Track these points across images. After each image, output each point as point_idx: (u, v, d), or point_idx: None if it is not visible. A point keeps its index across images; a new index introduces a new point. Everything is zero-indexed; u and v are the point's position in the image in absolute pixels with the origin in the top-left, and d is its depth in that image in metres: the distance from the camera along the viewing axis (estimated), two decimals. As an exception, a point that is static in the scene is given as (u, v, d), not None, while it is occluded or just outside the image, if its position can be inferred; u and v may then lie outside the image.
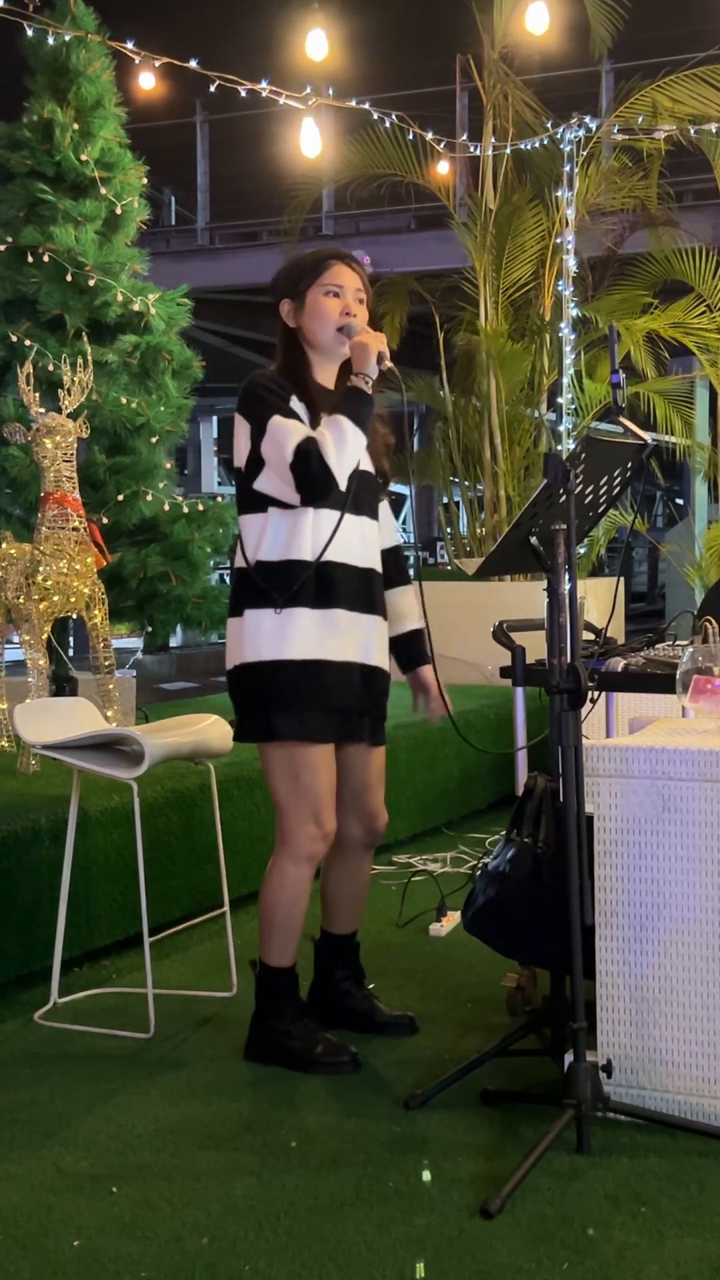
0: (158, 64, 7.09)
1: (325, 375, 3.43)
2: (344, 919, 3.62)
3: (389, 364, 3.33)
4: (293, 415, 3.27)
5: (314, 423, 3.29)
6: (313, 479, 3.20)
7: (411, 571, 3.66)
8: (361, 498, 3.37)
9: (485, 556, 3.35)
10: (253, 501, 3.32)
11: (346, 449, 3.23)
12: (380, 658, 3.44)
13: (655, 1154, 2.91)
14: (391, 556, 3.55)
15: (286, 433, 3.22)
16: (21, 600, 4.86)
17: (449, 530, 9.32)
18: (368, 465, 3.40)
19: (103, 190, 6.27)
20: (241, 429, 3.32)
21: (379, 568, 3.46)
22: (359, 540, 3.37)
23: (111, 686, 5.05)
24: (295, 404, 3.30)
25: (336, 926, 3.62)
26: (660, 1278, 2.45)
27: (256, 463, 3.29)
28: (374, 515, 3.46)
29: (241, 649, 3.32)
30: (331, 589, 3.30)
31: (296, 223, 9.61)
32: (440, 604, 7.36)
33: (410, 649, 3.59)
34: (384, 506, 3.57)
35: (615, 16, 8.66)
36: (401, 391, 3.39)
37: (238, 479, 3.36)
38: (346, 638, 3.33)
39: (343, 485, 3.25)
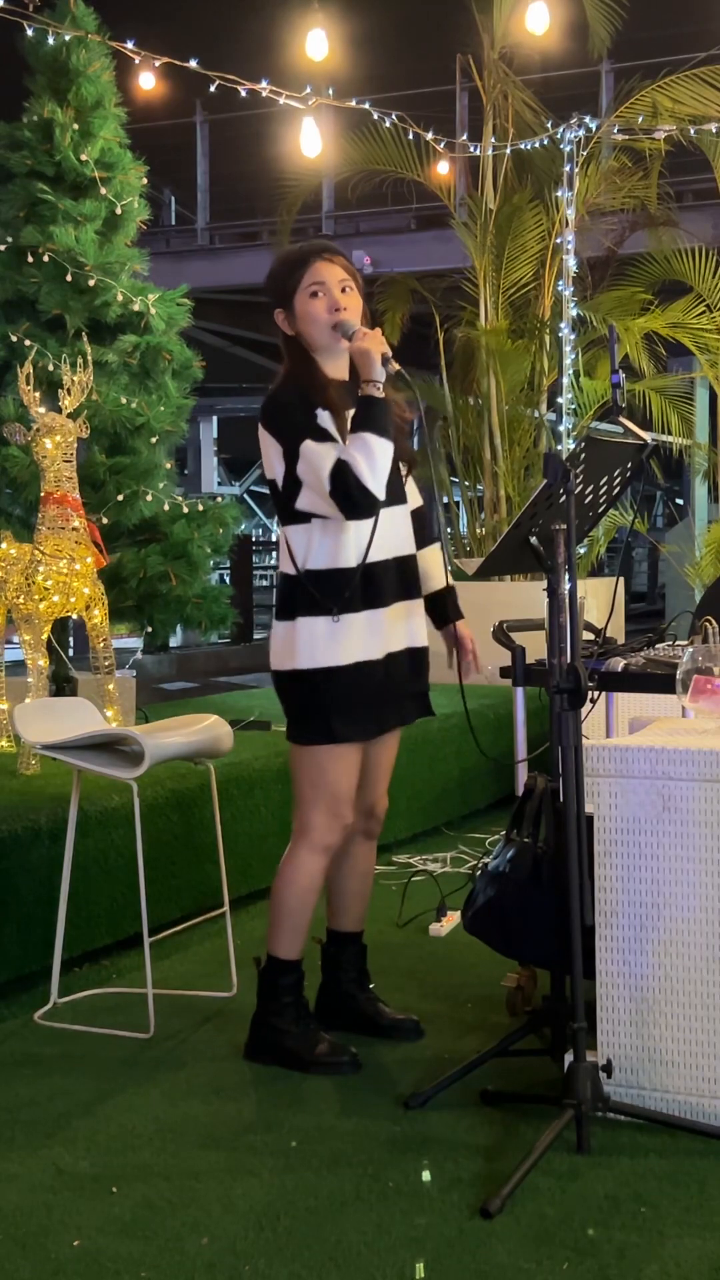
0: (158, 64, 7.08)
1: (336, 368, 3.42)
2: (349, 915, 3.61)
3: (395, 365, 3.33)
4: (321, 433, 3.28)
5: (339, 426, 3.30)
6: (354, 502, 3.24)
7: (436, 529, 3.68)
8: (394, 483, 3.38)
9: (485, 556, 3.35)
10: (297, 514, 3.34)
11: (377, 464, 3.25)
12: (423, 634, 3.49)
13: (655, 1154, 2.91)
14: (415, 516, 3.56)
15: (320, 458, 3.25)
16: (21, 600, 4.86)
17: (449, 530, 9.32)
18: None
19: (103, 190, 6.26)
20: (271, 447, 3.34)
21: (413, 549, 3.50)
22: (392, 531, 3.40)
23: (111, 686, 5.05)
24: (322, 417, 3.31)
25: (342, 923, 3.62)
26: (660, 1278, 2.46)
27: (293, 482, 3.31)
28: (401, 499, 3.47)
29: (294, 654, 3.34)
30: (378, 588, 3.36)
31: (288, 222, 9.61)
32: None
33: (443, 607, 3.60)
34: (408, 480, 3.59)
35: (614, 16, 8.66)
36: (414, 390, 3.42)
37: (275, 494, 3.39)
38: (393, 629, 3.39)
39: (382, 498, 3.28)
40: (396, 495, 3.43)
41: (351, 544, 3.32)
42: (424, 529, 3.58)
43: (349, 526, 3.30)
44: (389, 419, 3.31)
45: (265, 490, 3.46)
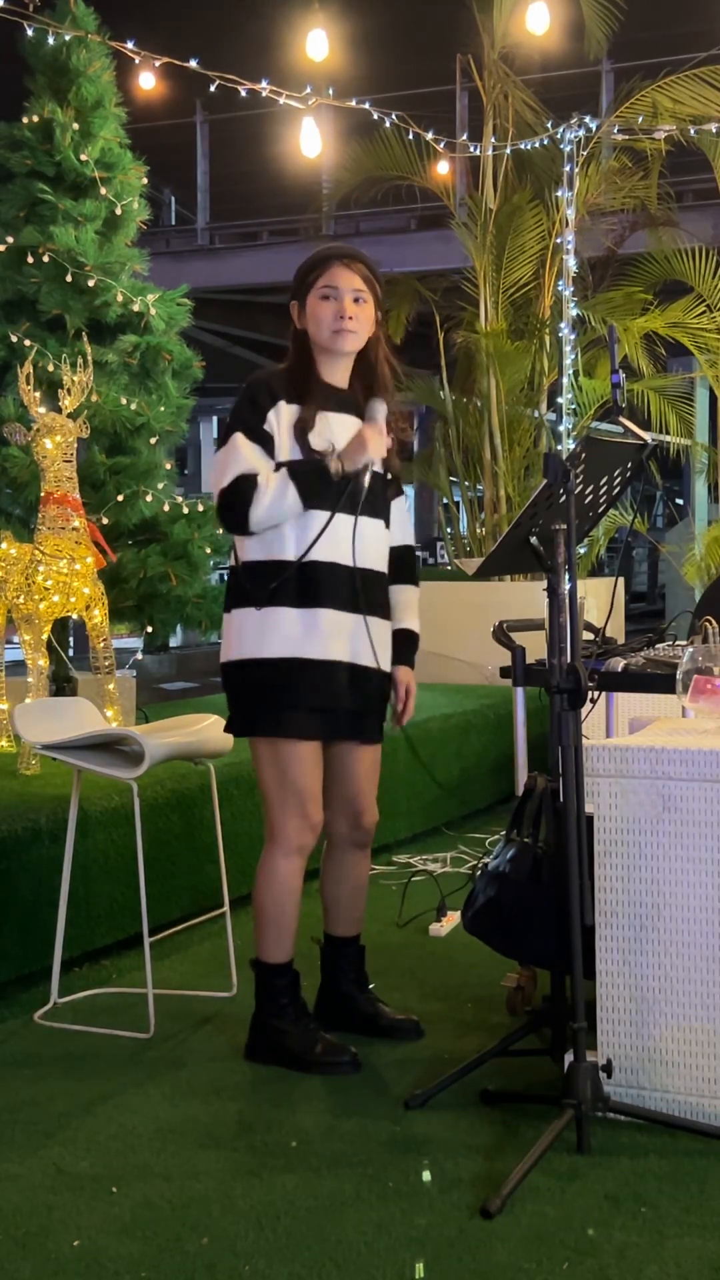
0: (158, 64, 7.08)
1: (334, 373, 3.44)
2: (342, 921, 3.61)
3: (372, 471, 3.33)
4: (262, 435, 3.31)
5: (302, 419, 3.32)
6: (230, 514, 3.30)
7: (417, 575, 3.68)
8: (369, 498, 3.37)
9: (485, 556, 3.35)
10: None
11: (275, 512, 3.28)
12: (372, 658, 3.40)
13: (655, 1154, 2.91)
14: (398, 554, 3.56)
15: (237, 458, 3.29)
16: (22, 600, 4.86)
17: (449, 530, 9.31)
18: (377, 465, 3.39)
19: (103, 190, 6.27)
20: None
21: (381, 567, 3.46)
22: (358, 540, 3.35)
23: (111, 686, 5.05)
24: (282, 409, 3.32)
25: (336, 928, 3.62)
26: (660, 1278, 2.46)
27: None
28: (380, 515, 3.45)
29: (229, 646, 3.41)
30: (316, 588, 3.32)
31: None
32: (440, 604, 7.40)
33: (397, 647, 3.58)
34: (398, 504, 3.58)
35: (612, 17, 8.66)
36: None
37: None
38: (332, 637, 3.33)
39: (253, 533, 3.30)
40: (375, 509, 3.41)
41: (290, 538, 3.31)
42: (404, 569, 3.58)
43: (290, 522, 3.32)
44: (324, 491, 3.29)
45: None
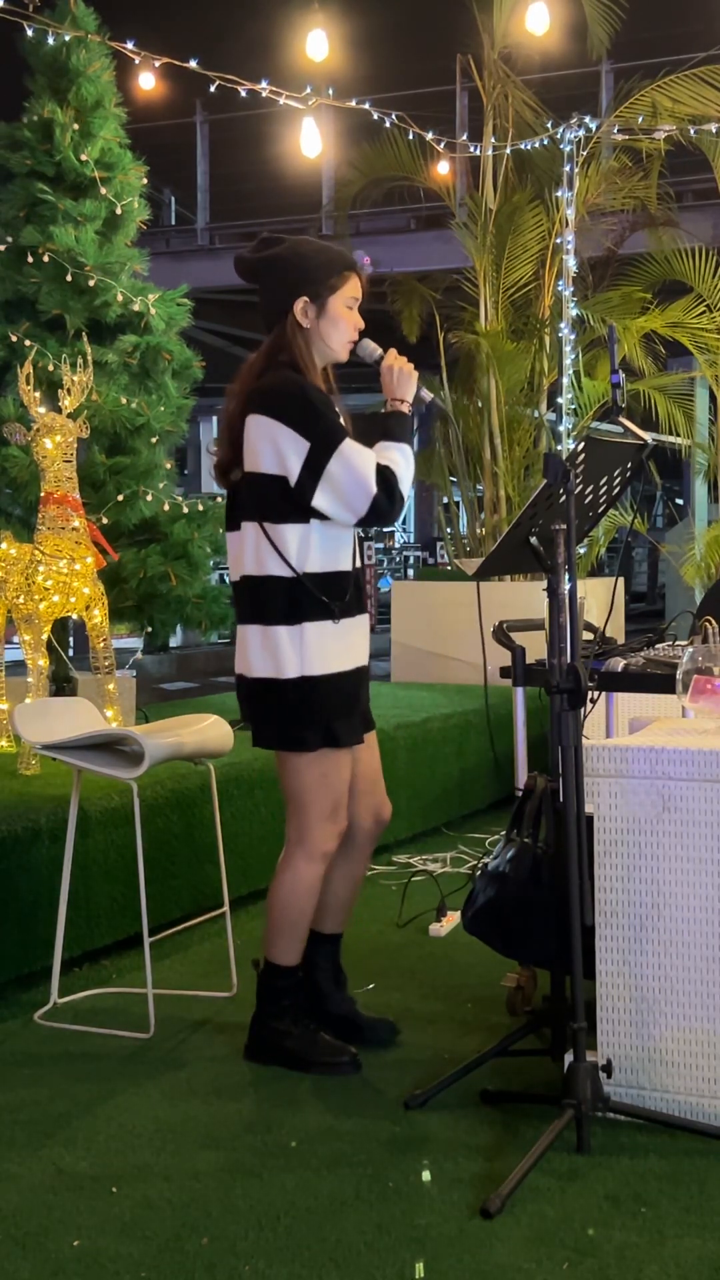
0: (158, 64, 7.08)
1: (315, 376, 3.45)
2: (334, 918, 3.58)
3: (429, 394, 3.46)
4: (351, 435, 3.32)
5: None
6: (393, 506, 3.28)
7: None
8: None
9: (485, 556, 3.35)
10: (296, 511, 3.28)
11: (409, 476, 3.35)
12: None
13: (655, 1154, 2.91)
14: None
15: (365, 461, 3.26)
16: (22, 600, 4.86)
17: (449, 530, 9.32)
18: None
19: (103, 190, 6.27)
20: (286, 440, 3.24)
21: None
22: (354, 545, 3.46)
23: (112, 686, 5.05)
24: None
25: (328, 926, 3.58)
26: (660, 1278, 2.46)
27: (312, 478, 3.24)
28: None
29: (303, 660, 3.27)
30: (360, 595, 3.40)
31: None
32: (440, 604, 7.40)
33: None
34: None
35: (613, 16, 8.66)
36: (448, 414, 3.51)
37: (266, 486, 3.28)
38: (365, 641, 3.44)
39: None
40: None
41: (346, 548, 3.35)
42: None
43: (347, 529, 3.33)
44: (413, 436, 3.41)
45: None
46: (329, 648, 3.30)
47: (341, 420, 3.36)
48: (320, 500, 3.25)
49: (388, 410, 3.40)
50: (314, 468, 3.23)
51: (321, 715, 3.32)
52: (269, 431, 3.26)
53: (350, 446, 3.26)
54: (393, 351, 3.44)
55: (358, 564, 3.43)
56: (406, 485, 3.32)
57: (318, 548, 3.29)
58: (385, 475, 3.26)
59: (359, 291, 3.42)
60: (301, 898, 3.38)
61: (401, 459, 3.32)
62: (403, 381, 3.41)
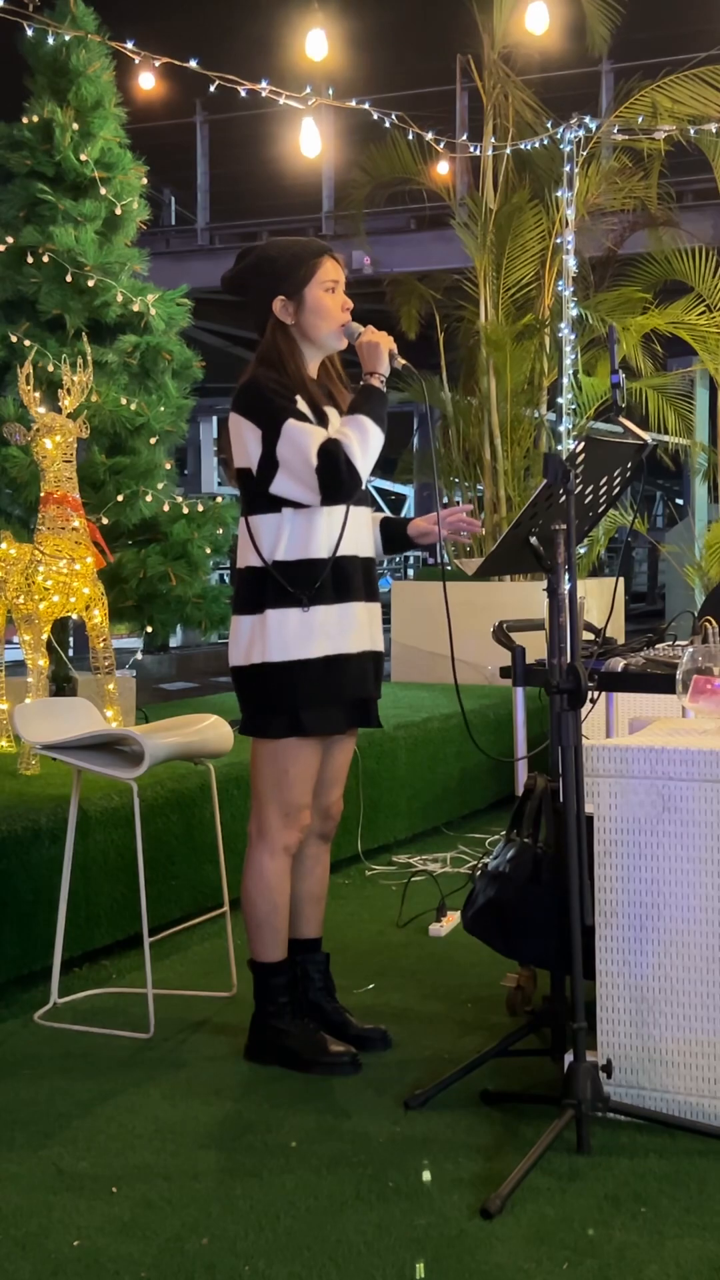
0: (158, 64, 7.08)
1: (313, 366, 3.46)
2: (307, 920, 3.55)
3: (401, 360, 3.40)
4: (304, 416, 3.29)
5: (316, 420, 3.31)
6: (340, 481, 3.24)
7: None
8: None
9: (485, 556, 3.35)
10: (266, 502, 3.32)
11: (370, 446, 3.28)
12: (381, 639, 3.50)
13: (655, 1154, 2.91)
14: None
15: (307, 435, 3.24)
16: (22, 600, 4.86)
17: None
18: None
19: (103, 190, 6.26)
20: (247, 431, 3.32)
21: (374, 554, 3.54)
22: (362, 531, 3.42)
23: (112, 686, 5.05)
24: (300, 403, 3.31)
25: (300, 930, 3.55)
26: (660, 1278, 2.46)
27: (269, 465, 3.29)
28: (368, 502, 3.51)
29: (265, 647, 3.31)
30: (347, 583, 3.35)
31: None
32: (440, 604, 7.37)
33: (394, 524, 3.60)
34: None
35: (613, 15, 8.66)
36: (421, 385, 3.45)
37: (245, 480, 3.36)
38: (361, 629, 3.39)
39: (364, 484, 3.31)
40: (364, 497, 3.45)
41: (323, 534, 3.31)
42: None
43: (321, 517, 3.30)
44: (385, 411, 3.35)
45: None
46: (292, 634, 3.29)
47: (327, 409, 3.34)
48: (278, 485, 3.28)
49: (362, 385, 3.37)
50: (269, 454, 3.27)
51: (285, 703, 3.32)
52: (236, 427, 3.35)
53: (292, 425, 3.25)
54: (370, 328, 3.41)
55: (355, 552, 3.37)
56: (362, 458, 3.25)
57: (288, 537, 3.30)
58: (327, 448, 3.22)
59: (337, 274, 3.40)
60: (269, 891, 3.38)
61: (354, 432, 3.25)
62: (373, 354, 3.37)
